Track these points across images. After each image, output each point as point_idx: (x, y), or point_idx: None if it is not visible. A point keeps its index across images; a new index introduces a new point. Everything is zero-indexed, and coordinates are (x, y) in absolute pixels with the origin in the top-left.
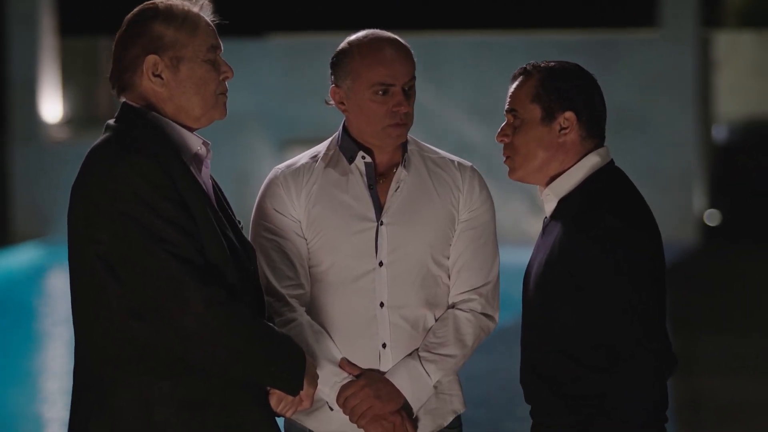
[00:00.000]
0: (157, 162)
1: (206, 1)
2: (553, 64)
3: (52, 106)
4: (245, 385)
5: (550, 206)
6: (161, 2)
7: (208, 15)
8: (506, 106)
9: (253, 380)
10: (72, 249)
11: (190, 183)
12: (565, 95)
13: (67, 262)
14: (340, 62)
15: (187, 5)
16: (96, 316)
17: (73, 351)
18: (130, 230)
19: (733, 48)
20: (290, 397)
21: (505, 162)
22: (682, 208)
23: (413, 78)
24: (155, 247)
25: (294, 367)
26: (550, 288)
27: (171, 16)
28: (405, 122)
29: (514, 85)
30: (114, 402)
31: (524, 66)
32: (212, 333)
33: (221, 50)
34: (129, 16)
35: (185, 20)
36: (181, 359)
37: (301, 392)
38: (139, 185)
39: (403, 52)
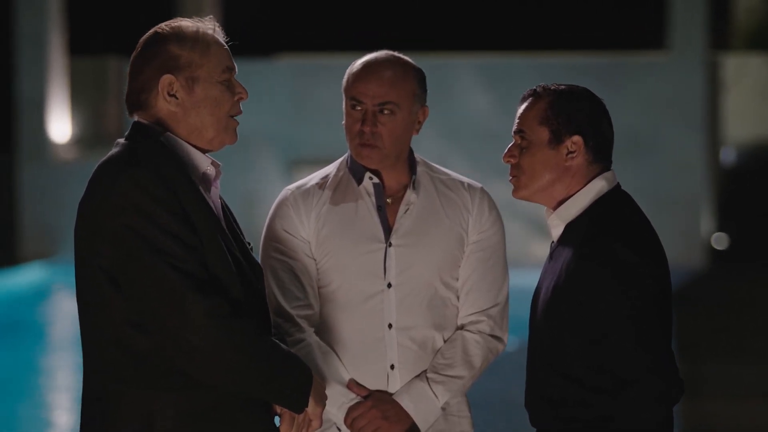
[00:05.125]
0: (160, 175)
1: (217, 24)
2: (563, 87)
3: (60, 126)
4: (249, 399)
5: (557, 231)
6: (175, 24)
7: (221, 37)
8: (514, 127)
9: (256, 395)
10: (78, 263)
11: (195, 199)
12: (574, 119)
13: (73, 281)
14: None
15: (201, 27)
16: (100, 329)
17: (80, 369)
18: (131, 243)
19: (742, 71)
20: (300, 420)
21: (510, 181)
22: (690, 231)
23: (390, 103)
24: (156, 260)
25: (298, 384)
26: (556, 313)
27: (185, 37)
28: (373, 144)
29: (523, 107)
30: (116, 414)
31: (534, 88)
32: (213, 346)
33: (236, 71)
34: (144, 37)
35: (200, 41)
36: (184, 372)
37: (309, 411)
38: (141, 198)
39: (390, 75)
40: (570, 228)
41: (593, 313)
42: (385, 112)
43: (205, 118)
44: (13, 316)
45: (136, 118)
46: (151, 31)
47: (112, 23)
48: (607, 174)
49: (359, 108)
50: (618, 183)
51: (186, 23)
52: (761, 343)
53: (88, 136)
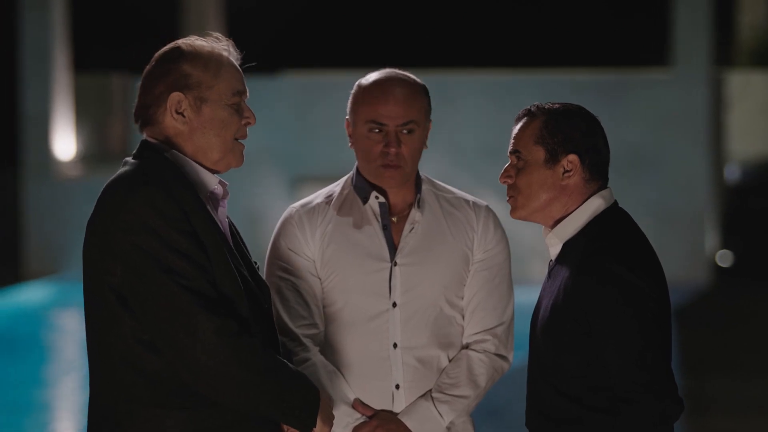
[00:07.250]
0: (170, 194)
1: (233, 45)
2: (557, 106)
3: (64, 143)
4: (258, 418)
5: (554, 250)
6: (191, 42)
7: (235, 58)
8: (510, 148)
9: (265, 413)
10: (86, 282)
11: (204, 218)
12: (569, 138)
13: (78, 299)
14: (352, 95)
15: (216, 47)
16: (109, 348)
17: (84, 387)
18: (141, 261)
19: (746, 87)
20: None
21: (508, 201)
22: (694, 248)
23: (411, 122)
24: (166, 279)
25: (306, 403)
26: (555, 332)
27: (199, 56)
28: (397, 164)
29: (518, 127)
30: None
31: (528, 107)
32: (222, 364)
33: (246, 95)
34: (158, 53)
35: (213, 62)
36: (194, 391)
37: (316, 430)
38: (151, 216)
39: (406, 94)
40: (568, 246)
41: (591, 332)
42: (405, 131)
43: (210, 139)
44: (17, 333)
45: (144, 135)
46: (168, 46)
47: (116, 40)
48: (603, 192)
49: (379, 131)
50: (615, 201)
51: (201, 42)
52: (765, 358)
53: (92, 154)
